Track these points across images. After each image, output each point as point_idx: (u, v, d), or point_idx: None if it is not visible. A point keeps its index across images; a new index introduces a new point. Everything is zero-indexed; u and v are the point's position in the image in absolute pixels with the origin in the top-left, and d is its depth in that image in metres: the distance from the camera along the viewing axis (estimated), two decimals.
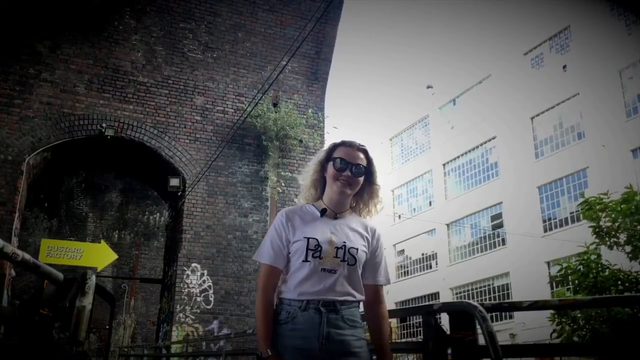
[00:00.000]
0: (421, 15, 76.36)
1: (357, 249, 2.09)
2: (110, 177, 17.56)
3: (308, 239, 2.06)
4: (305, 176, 2.27)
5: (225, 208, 10.29)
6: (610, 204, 7.49)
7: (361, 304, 2.16)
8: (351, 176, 2.13)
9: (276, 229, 2.14)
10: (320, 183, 2.23)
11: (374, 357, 2.13)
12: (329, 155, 2.20)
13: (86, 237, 17.49)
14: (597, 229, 7.56)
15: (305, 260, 2.05)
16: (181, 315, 9.50)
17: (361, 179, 2.16)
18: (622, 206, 7.27)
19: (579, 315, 6.91)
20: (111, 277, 17.25)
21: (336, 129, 22.44)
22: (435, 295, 28.02)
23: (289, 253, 2.10)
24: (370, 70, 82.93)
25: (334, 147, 2.22)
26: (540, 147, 24.79)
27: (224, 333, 9.40)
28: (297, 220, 2.14)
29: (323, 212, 2.15)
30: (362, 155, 2.18)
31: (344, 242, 2.09)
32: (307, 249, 2.05)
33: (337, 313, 2.02)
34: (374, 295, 2.16)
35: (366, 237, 2.17)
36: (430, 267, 29.50)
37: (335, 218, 2.16)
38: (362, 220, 2.23)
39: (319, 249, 2.05)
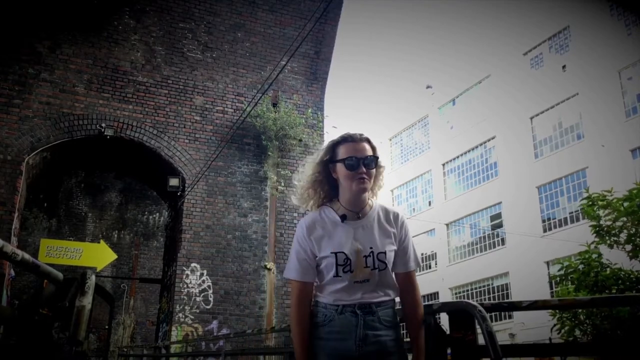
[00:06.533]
0: (421, 15, 76.38)
1: (385, 253, 2.06)
2: (109, 177, 17.55)
3: (336, 254, 2.03)
4: (303, 177, 2.18)
5: (225, 208, 10.29)
6: (613, 201, 7.44)
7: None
8: (366, 171, 2.06)
9: (300, 243, 2.09)
10: (322, 184, 2.14)
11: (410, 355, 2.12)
12: (333, 155, 2.11)
13: (85, 237, 17.48)
14: (597, 228, 7.53)
15: (337, 275, 2.03)
16: (180, 315, 9.50)
17: (374, 170, 2.10)
18: (624, 204, 7.22)
19: (580, 310, 6.89)
20: (110, 277, 17.25)
21: (335, 128, 22.50)
22: (435, 295, 28.04)
23: (318, 265, 2.08)
24: (370, 70, 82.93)
25: (335, 145, 2.13)
26: (539, 147, 24.80)
27: (223, 333, 9.40)
28: (319, 231, 2.08)
29: (343, 217, 2.08)
30: (367, 146, 2.11)
31: (371, 249, 2.05)
32: (337, 264, 2.02)
33: (373, 315, 2.03)
34: (407, 282, 2.13)
35: (392, 233, 2.11)
36: (430, 267, 29.52)
37: (358, 218, 2.10)
38: (385, 209, 2.15)
39: (349, 262, 2.02)
